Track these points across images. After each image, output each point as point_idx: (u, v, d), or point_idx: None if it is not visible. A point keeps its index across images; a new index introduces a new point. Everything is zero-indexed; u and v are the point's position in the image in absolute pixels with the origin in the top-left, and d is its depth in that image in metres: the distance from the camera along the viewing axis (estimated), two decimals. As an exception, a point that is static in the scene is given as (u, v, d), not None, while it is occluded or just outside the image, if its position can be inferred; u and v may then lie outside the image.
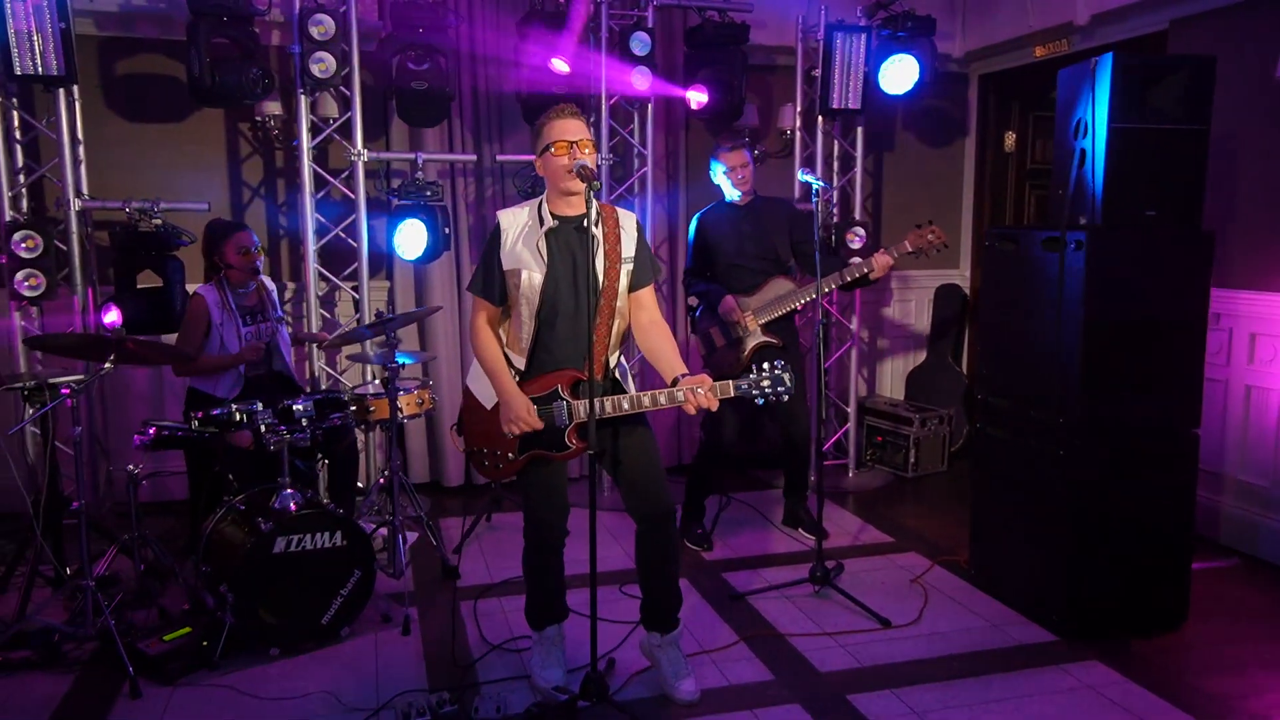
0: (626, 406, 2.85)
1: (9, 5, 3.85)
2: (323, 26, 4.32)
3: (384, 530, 4.17)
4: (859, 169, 5.51)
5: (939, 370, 6.17)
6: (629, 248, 2.90)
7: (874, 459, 5.86)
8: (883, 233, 6.18)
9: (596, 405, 2.77)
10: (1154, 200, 3.39)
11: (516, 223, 2.89)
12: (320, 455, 4.26)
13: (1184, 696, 3.06)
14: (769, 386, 2.80)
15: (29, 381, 3.45)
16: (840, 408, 5.84)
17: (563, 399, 2.89)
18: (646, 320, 3.00)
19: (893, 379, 6.40)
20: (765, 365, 2.81)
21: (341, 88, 4.61)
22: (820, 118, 5.35)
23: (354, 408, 4.15)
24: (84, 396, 4.41)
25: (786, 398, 2.79)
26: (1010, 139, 6.16)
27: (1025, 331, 3.63)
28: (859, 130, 5.46)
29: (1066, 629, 3.49)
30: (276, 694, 3.09)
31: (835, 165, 5.58)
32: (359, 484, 4.70)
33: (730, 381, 2.81)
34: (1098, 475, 3.42)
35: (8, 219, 4.21)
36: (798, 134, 5.47)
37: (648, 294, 3.00)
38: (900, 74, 5.14)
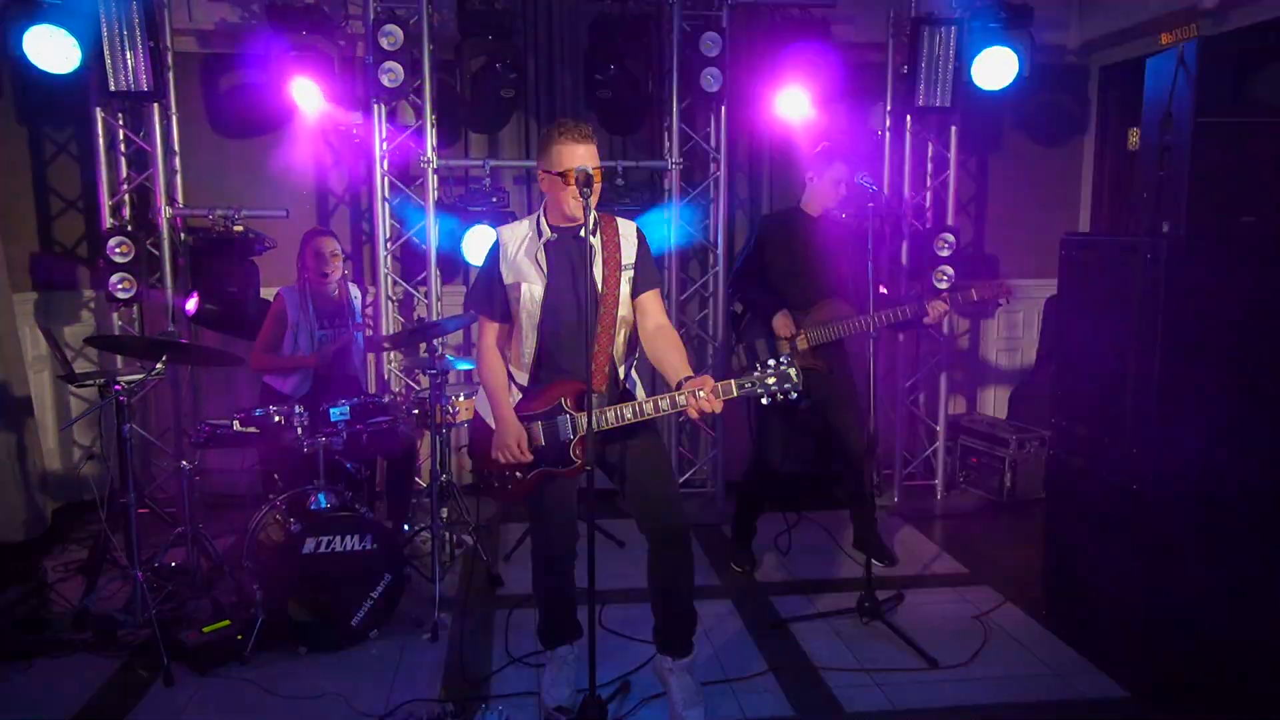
0: (629, 415, 2.74)
1: (104, 28, 4.12)
2: (391, 37, 4.42)
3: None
4: (953, 171, 5.16)
5: (1046, 388, 5.69)
6: (629, 255, 2.80)
7: (967, 481, 5.47)
8: (986, 239, 5.78)
9: (598, 417, 2.68)
10: (1251, 204, 2.97)
11: (515, 236, 2.84)
12: (377, 456, 4.35)
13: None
14: (775, 384, 2.61)
15: (99, 379, 3.67)
16: (929, 426, 5.49)
17: (566, 412, 2.80)
18: (652, 326, 2.88)
19: (997, 398, 5.97)
20: (771, 361, 2.63)
21: (414, 96, 4.69)
22: (908, 117, 5.04)
23: (416, 411, 4.21)
24: (161, 391, 4.72)
25: (795, 395, 2.59)
26: (1134, 136, 5.61)
27: (1101, 349, 3.27)
28: (952, 130, 5.11)
29: (1144, 690, 3.10)
30: (294, 692, 3.15)
31: (929, 168, 5.24)
32: (422, 483, 4.78)
33: (733, 381, 2.64)
34: (1180, 519, 3.03)
35: (106, 225, 4.52)
36: (888, 135, 5.17)
37: (652, 300, 2.88)
38: (996, 67, 4.78)
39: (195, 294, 4.26)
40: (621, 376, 2.88)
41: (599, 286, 2.75)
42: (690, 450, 5.44)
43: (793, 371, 2.62)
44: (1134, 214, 3.28)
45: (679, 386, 2.67)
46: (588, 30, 4.90)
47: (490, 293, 2.86)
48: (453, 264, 5.19)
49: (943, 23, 4.72)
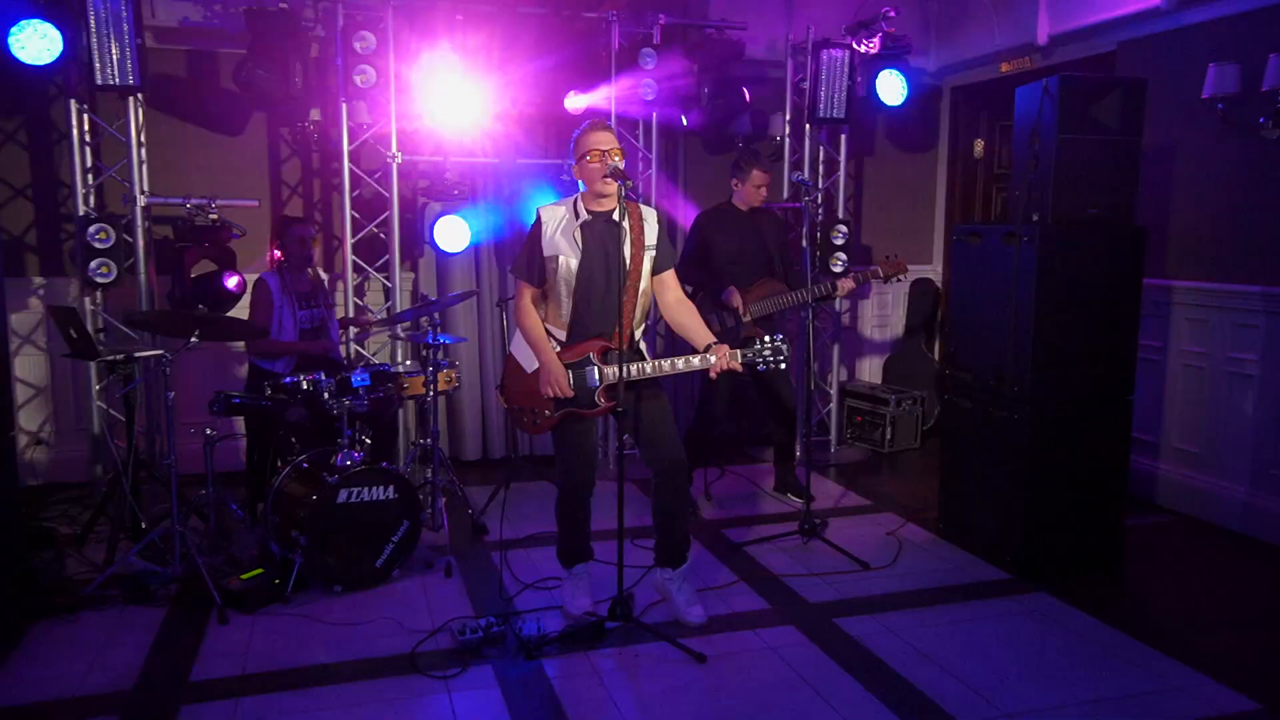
0: (650, 370, 3.38)
1: (92, 22, 4.32)
2: (365, 41, 4.82)
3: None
4: (842, 173, 6.08)
5: (914, 357, 6.75)
6: (651, 237, 3.44)
7: (854, 437, 6.43)
8: (863, 231, 6.76)
9: (624, 370, 3.31)
10: (1095, 200, 3.96)
11: (555, 216, 3.42)
12: (359, 425, 4.75)
13: (1112, 615, 3.64)
14: (770, 356, 3.34)
15: (119, 354, 3.93)
16: (824, 390, 6.40)
17: (594, 364, 3.41)
18: (673, 299, 3.53)
19: (871, 365, 6.98)
20: (768, 338, 3.35)
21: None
22: (808, 125, 5.91)
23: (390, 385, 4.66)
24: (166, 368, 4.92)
25: (784, 365, 3.33)
26: (979, 146, 6.74)
27: (986, 314, 4.20)
28: (843, 138, 6.03)
29: (1019, 569, 4.06)
30: (344, 620, 3.60)
31: (821, 169, 6.14)
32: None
33: (739, 351, 3.35)
34: (1046, 437, 4.00)
35: (81, 214, 4.68)
36: (787, 140, 6.02)
37: (670, 276, 3.53)
38: (892, 87, 5.72)
39: (234, 273, 4.59)
40: (637, 338, 3.52)
41: (626, 263, 3.38)
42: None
43: (784, 346, 3.35)
44: (1010, 207, 4.22)
45: (707, 349, 3.34)
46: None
47: (532, 262, 3.43)
48: (404, 251, 5.60)
49: (838, 47, 5.61)
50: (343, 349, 5.31)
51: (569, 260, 3.38)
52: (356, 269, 5.34)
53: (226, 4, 5.12)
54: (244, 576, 3.80)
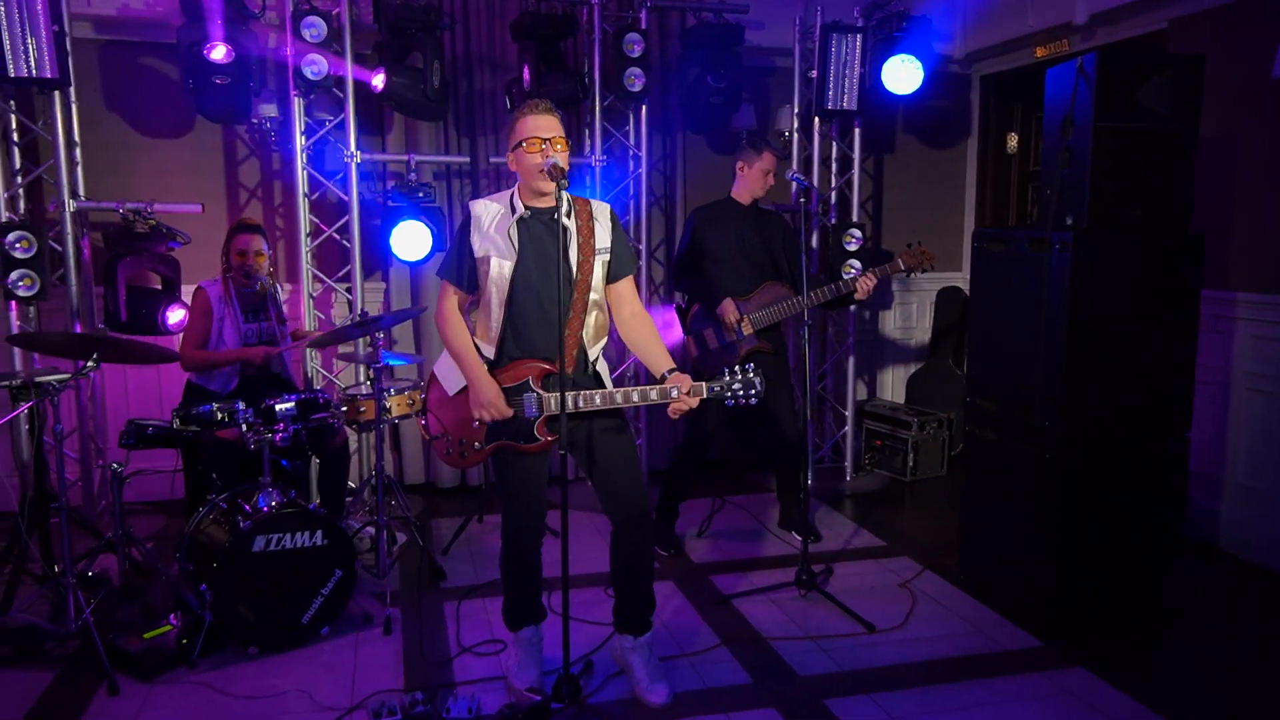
0: (598, 402, 2.84)
1: (2, 9, 3.89)
2: (314, 29, 4.35)
3: (371, 529, 4.17)
4: (856, 170, 5.48)
5: (940, 374, 6.12)
6: (604, 239, 2.89)
7: (872, 463, 5.81)
8: (883, 235, 6.15)
9: (568, 399, 2.76)
10: (1141, 201, 3.34)
11: (489, 211, 2.89)
12: (311, 455, 4.27)
13: (1163, 696, 3.01)
14: (740, 390, 2.79)
15: (15, 380, 3.48)
16: (838, 411, 5.80)
17: (533, 390, 2.88)
18: (629, 314, 2.99)
19: (894, 383, 6.36)
20: (737, 368, 2.81)
21: (335, 89, 4.63)
22: (817, 119, 5.32)
23: (345, 408, 4.17)
24: (74, 394, 4.49)
25: (755, 401, 2.78)
26: (1013, 140, 6.10)
27: (1012, 333, 3.59)
28: (856, 132, 5.43)
29: (1050, 632, 3.44)
30: (251, 692, 3.09)
31: (833, 167, 5.55)
32: (351, 484, 4.72)
33: (703, 384, 2.80)
34: (1082, 476, 3.38)
35: (3, 220, 4.25)
36: (795, 136, 5.44)
37: (627, 286, 2.98)
38: (904, 74, 5.10)
39: (185, 308, 4.15)
40: (591, 359, 2.96)
41: (573, 269, 2.83)
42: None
43: (756, 379, 2.82)
44: (1039, 209, 3.61)
45: (662, 379, 2.80)
46: (510, 29, 4.94)
47: (460, 262, 2.90)
48: (373, 260, 5.14)
49: (850, 30, 5.01)
50: (306, 367, 4.86)
51: (502, 263, 2.84)
52: (316, 279, 4.87)
53: (168, -11, 4.67)
54: (147, 635, 3.32)
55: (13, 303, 4.29)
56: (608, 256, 2.92)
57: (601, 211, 2.94)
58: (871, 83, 5.15)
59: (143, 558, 3.78)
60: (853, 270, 5.22)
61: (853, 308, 5.58)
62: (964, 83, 6.14)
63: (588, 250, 2.86)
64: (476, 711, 2.91)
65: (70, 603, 3.29)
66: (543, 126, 2.79)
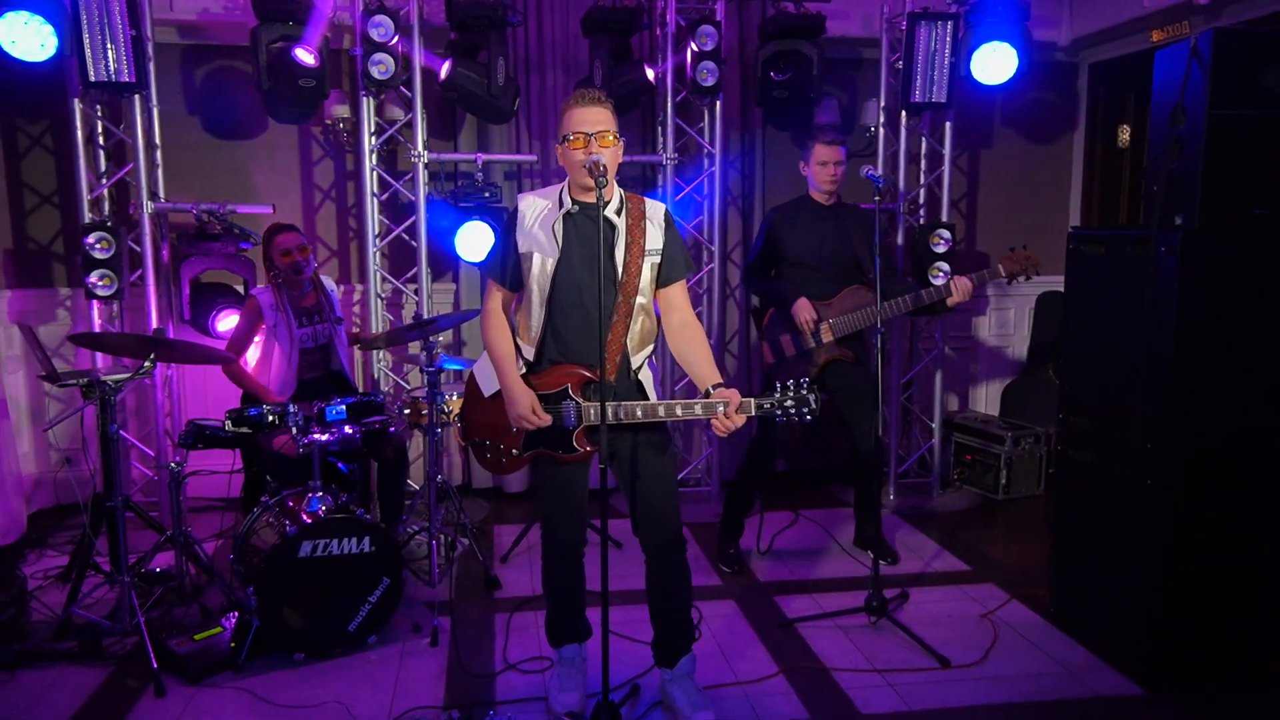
0: (640, 415, 2.66)
1: (83, 14, 3.98)
2: (382, 28, 4.30)
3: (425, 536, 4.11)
4: (947, 167, 5.13)
5: (1039, 385, 5.68)
6: (655, 239, 2.72)
7: (962, 479, 5.45)
8: (978, 236, 5.78)
9: (608, 411, 2.60)
10: (1264, 197, 2.95)
11: (535, 206, 2.74)
12: (370, 458, 4.24)
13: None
14: (793, 406, 2.58)
15: (83, 379, 3.53)
16: (924, 423, 5.46)
17: (572, 399, 2.72)
18: (678, 322, 2.80)
19: (988, 395, 5.96)
20: (791, 383, 2.60)
21: (403, 89, 4.59)
22: (903, 113, 5.00)
23: (408, 411, 4.12)
24: (149, 391, 4.57)
25: (810, 419, 2.57)
26: (1125, 133, 5.63)
27: (1111, 345, 3.25)
28: (947, 126, 5.08)
29: (1148, 677, 3.09)
30: (291, 701, 3.04)
31: (923, 164, 5.21)
32: (414, 486, 4.68)
33: (752, 400, 2.60)
34: (1189, 502, 3.02)
35: (86, 220, 4.36)
36: (881, 131, 5.14)
37: (678, 292, 2.80)
38: (996, 63, 4.75)
39: (239, 313, 4.16)
40: (635, 367, 2.79)
41: (619, 271, 2.67)
42: (685, 448, 5.37)
43: (811, 397, 2.60)
44: (1145, 206, 3.25)
45: (707, 394, 2.61)
46: (580, 23, 4.81)
47: (504, 259, 2.77)
48: (443, 261, 5.09)
49: (940, 18, 4.69)
50: (374, 369, 4.85)
51: (545, 259, 2.69)
52: (385, 280, 4.86)
53: (245, -8, 4.71)
54: (197, 636, 3.32)
55: (94, 301, 4.39)
56: (658, 259, 2.74)
57: (655, 210, 2.76)
58: (964, 73, 4.81)
59: (203, 558, 3.80)
60: (941, 274, 4.88)
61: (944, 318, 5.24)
62: (1070, 71, 5.71)
63: (636, 251, 2.69)
64: (512, 736, 2.79)
65: (126, 602, 3.32)
66: (589, 120, 2.62)
